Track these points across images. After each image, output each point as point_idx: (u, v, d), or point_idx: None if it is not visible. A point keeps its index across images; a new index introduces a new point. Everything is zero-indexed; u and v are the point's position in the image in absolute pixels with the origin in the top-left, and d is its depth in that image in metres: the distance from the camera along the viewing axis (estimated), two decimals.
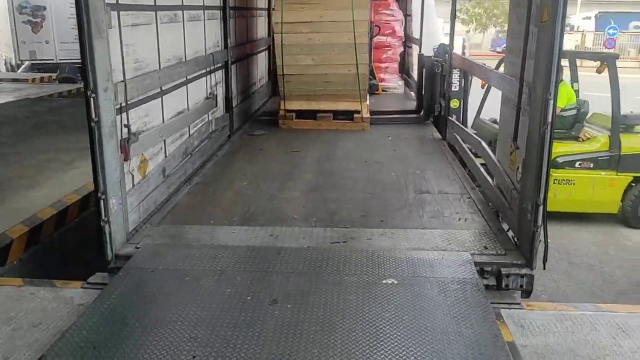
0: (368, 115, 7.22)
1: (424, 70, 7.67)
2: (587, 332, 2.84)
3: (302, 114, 7.31)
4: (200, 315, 2.75)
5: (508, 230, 3.90)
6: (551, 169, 5.12)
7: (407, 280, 3.10)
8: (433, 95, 7.22)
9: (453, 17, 6.49)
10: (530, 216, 3.29)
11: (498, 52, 39.22)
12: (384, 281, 3.08)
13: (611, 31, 37.12)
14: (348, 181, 4.97)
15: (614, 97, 7.39)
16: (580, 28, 38.41)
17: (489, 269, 3.34)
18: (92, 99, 3.20)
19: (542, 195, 3.19)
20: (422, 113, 7.90)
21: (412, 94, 10.22)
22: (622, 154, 7.41)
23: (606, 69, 7.48)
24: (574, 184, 7.38)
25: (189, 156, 5.09)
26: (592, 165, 7.44)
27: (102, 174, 3.34)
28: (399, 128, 7.39)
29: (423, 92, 7.69)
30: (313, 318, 2.73)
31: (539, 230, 3.24)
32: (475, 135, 5.41)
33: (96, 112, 3.24)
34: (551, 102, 3.06)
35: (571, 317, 2.98)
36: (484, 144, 4.95)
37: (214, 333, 2.61)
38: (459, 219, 4.05)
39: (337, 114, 7.24)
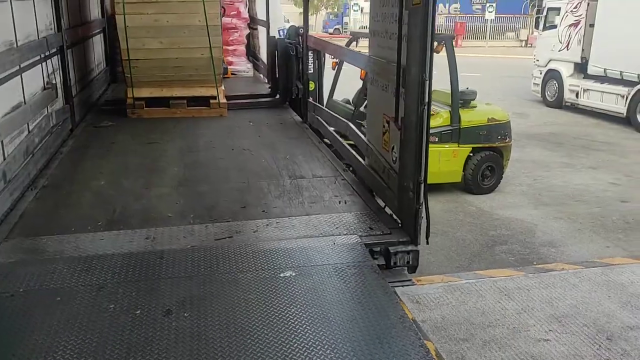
0: (225, 100, 6.96)
1: (276, 52, 7.58)
2: (476, 300, 3.01)
3: (153, 102, 6.82)
4: (84, 341, 2.40)
5: (385, 208, 4.00)
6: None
7: (304, 271, 3.02)
8: (289, 78, 7.17)
9: (306, 1, 6.45)
10: (412, 194, 3.39)
11: (330, 34, 40.73)
12: (281, 274, 2.96)
13: None
14: (219, 171, 4.73)
15: (452, 75, 7.97)
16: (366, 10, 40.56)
17: (378, 249, 3.39)
18: None
19: (423, 174, 3.30)
20: (277, 96, 7.84)
21: (262, 76, 10.13)
22: (461, 127, 8.06)
23: (444, 49, 8.05)
24: None
25: (31, 156, 4.45)
26: (437, 139, 7.98)
27: None
28: (257, 112, 7.24)
29: (277, 75, 7.60)
30: (216, 324, 2.52)
31: (421, 207, 3.35)
32: (341, 117, 5.46)
33: None
34: (427, 82, 3.15)
35: (459, 287, 3.14)
36: (352, 125, 5.01)
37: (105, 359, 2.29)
38: (339, 202, 4.05)
39: (192, 101, 6.88)
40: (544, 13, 17.31)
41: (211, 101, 6.89)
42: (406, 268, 3.44)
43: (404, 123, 3.41)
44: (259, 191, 4.27)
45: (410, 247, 3.40)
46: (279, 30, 10.19)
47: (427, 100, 3.17)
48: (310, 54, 7.03)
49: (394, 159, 3.81)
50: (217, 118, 6.82)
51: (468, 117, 8.14)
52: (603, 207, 7.81)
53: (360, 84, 8.73)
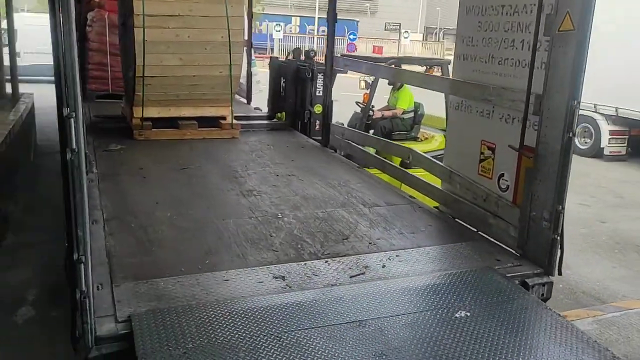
0: (237, 121, 6.61)
1: (281, 75, 7.36)
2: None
3: (159, 123, 6.33)
4: None
5: (476, 232, 3.90)
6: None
7: (475, 310, 2.82)
8: (300, 101, 6.94)
9: (333, 18, 6.22)
10: (548, 224, 3.31)
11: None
12: (456, 315, 2.76)
13: (352, 36, 41.60)
14: (285, 200, 4.40)
15: (447, 100, 8.11)
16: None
17: (516, 282, 3.27)
18: (71, 120, 2.17)
19: (564, 203, 3.25)
20: (275, 119, 7.61)
21: (241, 98, 9.79)
22: None
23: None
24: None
25: None
26: None
27: (82, 226, 2.29)
28: (266, 135, 6.94)
29: (283, 97, 7.36)
30: None
31: (559, 237, 3.29)
32: (400, 144, 5.32)
33: (76, 138, 2.20)
34: (577, 110, 3.11)
35: (611, 322, 3.12)
36: (418, 150, 4.88)
37: None
38: (439, 232, 3.91)
39: (201, 121, 6.47)
40: None
41: (222, 122, 6.51)
42: None
43: (538, 151, 3.34)
44: (345, 221, 4.01)
45: (545, 279, 3.32)
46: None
47: (575, 128, 3.12)
48: (320, 76, 6.88)
49: (504, 187, 3.74)
50: (232, 140, 6.46)
51: None
52: (588, 228, 8.20)
53: (349, 107, 8.70)
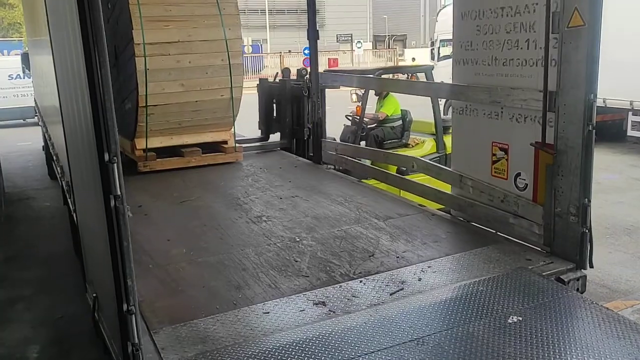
0: (238, 144, 6.54)
1: (272, 96, 7.36)
2: None
3: (162, 152, 6.20)
4: None
5: (497, 233, 3.89)
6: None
7: (526, 314, 2.79)
8: (298, 120, 6.88)
9: (313, 35, 6.21)
10: (576, 218, 3.32)
11: None
12: (509, 321, 2.72)
13: (306, 51, 41.83)
14: (296, 223, 4.30)
15: (435, 104, 8.17)
16: None
17: (552, 279, 3.26)
18: (114, 165, 2.07)
19: (590, 196, 3.26)
20: (270, 140, 7.56)
21: None
22: (447, 153, 8.23)
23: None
24: None
25: None
26: None
27: (130, 275, 2.17)
28: (257, 159, 6.82)
29: (277, 118, 7.33)
30: None
31: (588, 230, 3.30)
32: (402, 153, 5.30)
33: (120, 183, 2.09)
34: (595, 104, 3.14)
35: None
36: (423, 159, 4.86)
37: None
38: (460, 238, 3.88)
39: (204, 147, 6.37)
40: (437, 45, 18.58)
41: (224, 146, 6.43)
42: None
43: (558, 147, 3.36)
44: (365, 237, 3.95)
45: (579, 273, 3.33)
46: None
47: (594, 121, 3.15)
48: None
49: (522, 186, 3.74)
50: (233, 164, 6.39)
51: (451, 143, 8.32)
52: None
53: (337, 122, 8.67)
